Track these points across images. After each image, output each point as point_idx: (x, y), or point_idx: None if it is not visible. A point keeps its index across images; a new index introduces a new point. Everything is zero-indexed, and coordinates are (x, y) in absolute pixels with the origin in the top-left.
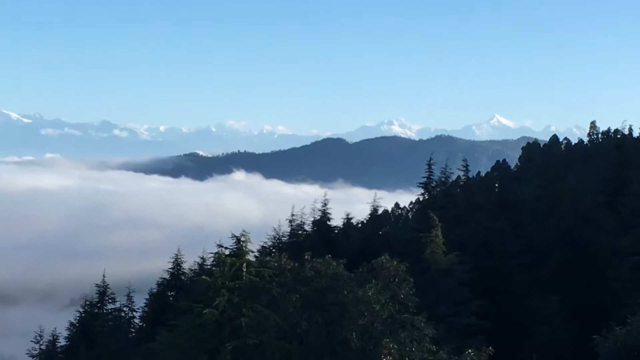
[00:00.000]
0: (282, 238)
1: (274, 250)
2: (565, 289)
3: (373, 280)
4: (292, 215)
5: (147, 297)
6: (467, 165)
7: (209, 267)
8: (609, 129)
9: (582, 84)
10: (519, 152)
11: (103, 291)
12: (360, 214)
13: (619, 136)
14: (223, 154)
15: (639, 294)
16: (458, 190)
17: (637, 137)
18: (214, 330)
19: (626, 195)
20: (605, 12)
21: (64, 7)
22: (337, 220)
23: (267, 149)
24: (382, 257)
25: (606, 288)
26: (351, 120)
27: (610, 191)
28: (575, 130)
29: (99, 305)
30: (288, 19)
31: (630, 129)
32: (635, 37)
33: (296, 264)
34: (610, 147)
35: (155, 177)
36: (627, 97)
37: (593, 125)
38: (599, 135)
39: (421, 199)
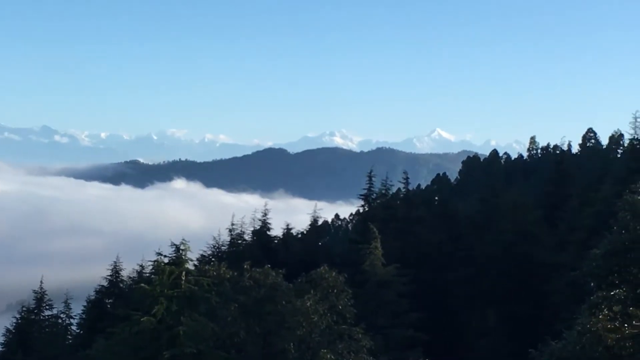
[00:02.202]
0: (222, 247)
1: (213, 259)
2: (504, 302)
3: (312, 291)
4: (232, 224)
5: (85, 304)
6: (407, 178)
7: (148, 275)
8: (548, 145)
9: (522, 99)
10: (459, 166)
11: (40, 297)
12: (301, 224)
13: (558, 152)
14: (164, 161)
15: (576, 309)
16: (398, 202)
17: (576, 153)
18: (152, 338)
19: (564, 210)
20: (545, 29)
21: None
22: (277, 230)
23: (208, 157)
24: (321, 267)
25: (544, 302)
26: (293, 131)
27: (549, 206)
28: (515, 145)
29: (36, 311)
30: (229, 29)
31: (569, 145)
32: (574, 53)
33: (235, 274)
34: (549, 162)
35: (95, 183)
36: (566, 113)
37: (533, 140)
38: (539, 151)
39: (361, 211)
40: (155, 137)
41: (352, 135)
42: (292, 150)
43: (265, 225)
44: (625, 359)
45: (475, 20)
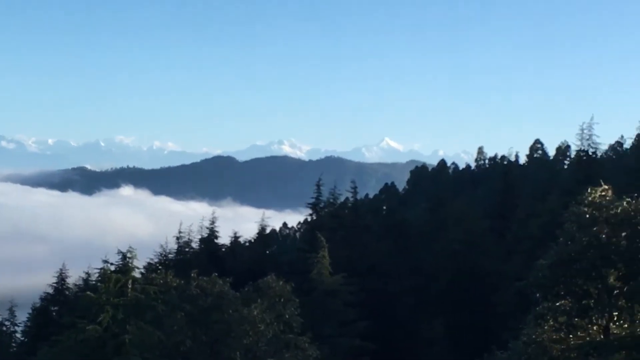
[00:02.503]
0: (169, 255)
1: (160, 267)
2: (452, 311)
3: (259, 300)
4: (180, 232)
5: (30, 311)
6: (355, 187)
7: (94, 282)
8: (496, 155)
9: (470, 109)
10: (407, 175)
11: None
12: (248, 232)
13: (505, 162)
14: (111, 168)
15: (522, 319)
16: (346, 211)
17: (523, 164)
18: (97, 346)
19: (511, 220)
20: (490, 40)
21: None
22: (224, 239)
23: (156, 165)
24: (269, 276)
25: (491, 312)
26: (242, 139)
27: (497, 216)
28: (463, 155)
29: None
30: (175, 37)
31: (517, 156)
32: (521, 64)
33: (182, 282)
34: (497, 173)
35: (42, 190)
36: (514, 124)
37: (481, 150)
38: (486, 161)
39: (309, 220)
40: (103, 144)
41: (300, 144)
42: (241, 158)
43: (212, 234)
44: None
45: (422, 31)
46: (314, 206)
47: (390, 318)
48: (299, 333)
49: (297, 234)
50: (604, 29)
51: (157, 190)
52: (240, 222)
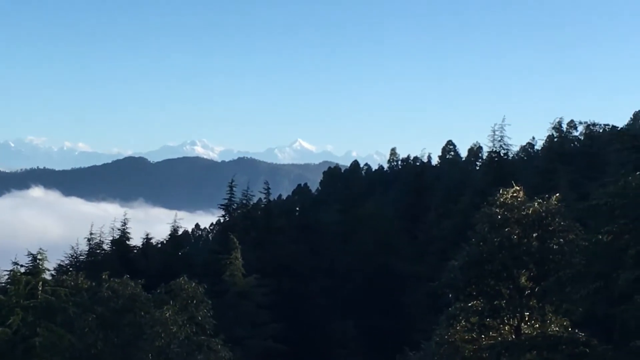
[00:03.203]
0: (80, 257)
1: (71, 269)
2: (364, 313)
3: (171, 302)
4: (91, 233)
5: None
6: (268, 188)
7: (3, 285)
8: (408, 156)
9: (383, 110)
10: (320, 176)
11: None
12: (160, 234)
13: (418, 163)
14: (21, 169)
15: (434, 319)
16: (259, 212)
17: (436, 165)
18: (7, 349)
19: (423, 221)
20: (400, 42)
21: None
22: (136, 240)
23: (67, 165)
24: (181, 278)
25: (403, 313)
26: (154, 140)
27: (409, 217)
28: (376, 157)
29: None
30: (86, 36)
31: (429, 157)
32: (432, 66)
33: (93, 284)
34: (409, 174)
35: None
36: (427, 125)
37: (393, 152)
38: (399, 162)
39: (222, 221)
40: (12, 145)
41: (213, 145)
42: (153, 159)
43: (124, 235)
44: None
45: (327, 31)
46: (226, 207)
47: (303, 320)
48: (212, 335)
49: (210, 236)
50: (515, 28)
51: (67, 192)
52: (152, 223)
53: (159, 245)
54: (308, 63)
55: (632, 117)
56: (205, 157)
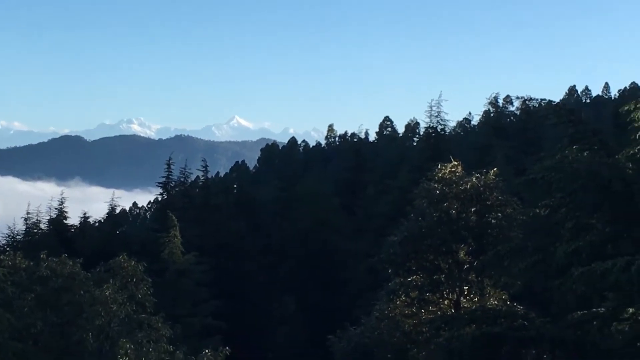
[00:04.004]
0: (17, 236)
1: (8, 248)
2: (303, 290)
3: (111, 280)
4: (28, 213)
5: None
6: (206, 166)
7: None
8: (346, 133)
9: (320, 87)
10: (258, 154)
11: None
12: (98, 213)
13: (355, 140)
14: None
15: (373, 296)
16: (197, 190)
17: (373, 141)
18: None
19: (362, 198)
20: (328, 18)
21: None
22: (74, 219)
23: (2, 145)
24: (120, 256)
25: (342, 289)
26: (90, 118)
27: (347, 194)
28: (314, 133)
29: None
30: (24, 17)
31: (367, 134)
32: (364, 41)
33: (31, 263)
34: (347, 150)
35: None
36: (364, 101)
37: (331, 128)
38: (337, 139)
39: (160, 199)
40: None
41: (150, 123)
42: (89, 137)
43: (61, 214)
44: (422, 343)
45: (267, 9)
46: (164, 185)
47: (242, 297)
48: (152, 313)
49: (148, 214)
50: (454, 6)
51: (3, 171)
52: (89, 202)
53: (97, 224)
54: (244, 40)
55: (567, 91)
56: (142, 135)
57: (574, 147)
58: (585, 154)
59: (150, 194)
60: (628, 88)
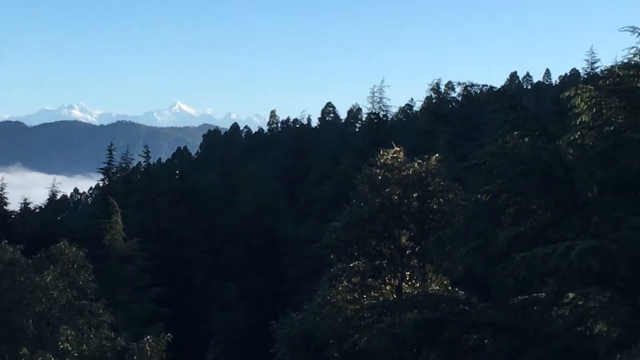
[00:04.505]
0: None
1: None
2: (245, 275)
3: (51, 267)
4: None
5: None
6: (148, 152)
7: None
8: (288, 119)
9: (261, 72)
10: (200, 140)
11: None
12: (39, 199)
13: (298, 126)
14: None
15: (315, 281)
16: (139, 176)
17: (316, 127)
18: None
19: (304, 183)
20: (272, 7)
21: None
22: (14, 205)
23: None
24: (61, 243)
25: (284, 275)
26: (31, 104)
27: (289, 180)
28: (256, 119)
29: None
30: None
31: (309, 119)
32: (310, 27)
33: None
34: (289, 136)
35: None
36: (306, 87)
37: (273, 114)
38: (279, 125)
39: (101, 185)
40: None
41: (91, 109)
42: (30, 123)
43: (1, 200)
44: (364, 329)
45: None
46: (105, 171)
47: (185, 283)
48: (93, 299)
49: (89, 200)
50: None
51: None
52: (30, 188)
53: (37, 210)
54: (185, 25)
55: (508, 78)
56: (83, 120)
57: (515, 133)
58: (527, 139)
59: (91, 180)
60: (569, 74)
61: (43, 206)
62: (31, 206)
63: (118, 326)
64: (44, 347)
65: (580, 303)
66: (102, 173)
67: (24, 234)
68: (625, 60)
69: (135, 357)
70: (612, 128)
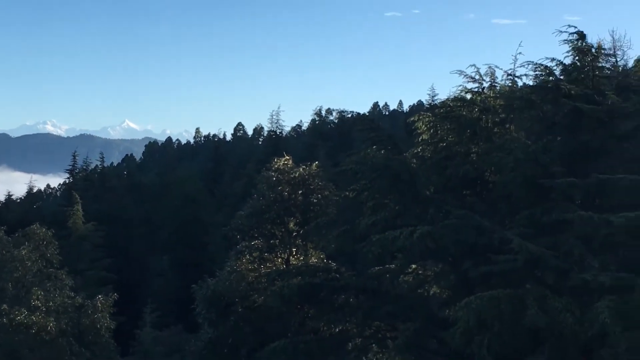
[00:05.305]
0: None
1: None
2: (175, 251)
3: (26, 243)
4: None
5: None
6: (103, 158)
7: None
8: (209, 134)
9: (190, 97)
10: (143, 149)
11: None
12: (20, 192)
13: (216, 139)
14: None
15: (226, 255)
16: (96, 175)
17: (229, 140)
18: None
19: (220, 183)
20: (201, 40)
21: None
22: (0, 196)
23: None
24: (34, 225)
25: (205, 251)
26: (14, 119)
27: (210, 180)
28: (185, 134)
29: None
30: None
31: (224, 135)
32: (225, 56)
33: None
34: (210, 147)
35: None
36: (222, 110)
37: (198, 130)
38: (202, 138)
39: (67, 182)
40: None
41: (60, 124)
42: (14, 135)
43: None
44: (261, 291)
45: (151, 21)
46: (71, 172)
47: (129, 256)
48: (58, 268)
49: (58, 193)
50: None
51: None
52: (13, 184)
53: (19, 201)
54: (137, 55)
55: (372, 106)
56: (54, 133)
57: (374, 147)
58: (382, 152)
59: (60, 178)
60: (415, 104)
61: (23, 198)
62: (14, 197)
63: (77, 288)
64: (20, 304)
65: (420, 272)
66: (68, 173)
67: (8, 218)
68: (455, 95)
69: (89, 311)
70: (444, 144)
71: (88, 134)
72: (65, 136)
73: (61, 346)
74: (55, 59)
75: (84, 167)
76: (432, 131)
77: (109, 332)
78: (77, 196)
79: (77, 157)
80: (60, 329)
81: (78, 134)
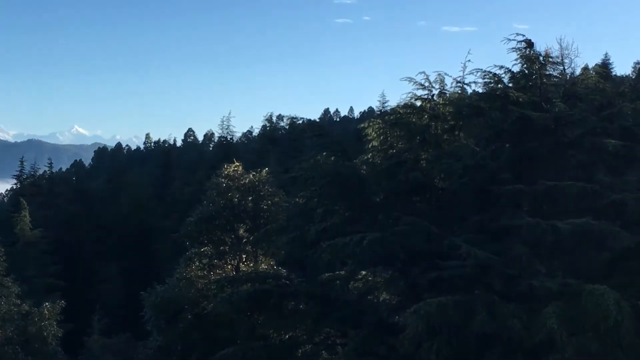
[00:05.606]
0: None
1: None
2: (124, 257)
3: None
4: None
5: None
6: (51, 163)
7: None
8: (159, 140)
9: (141, 102)
10: (92, 154)
11: None
12: None
13: (166, 145)
14: None
15: (176, 262)
16: (44, 181)
17: (180, 146)
18: None
19: (170, 188)
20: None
21: None
22: None
23: None
24: None
25: (153, 257)
26: None
27: (159, 185)
28: (135, 139)
29: None
30: None
31: (175, 140)
32: (172, 66)
33: None
34: (160, 153)
35: None
36: (171, 115)
37: (148, 136)
38: (152, 144)
39: (15, 188)
40: None
41: (7, 129)
42: None
43: None
44: (211, 297)
45: (99, 30)
46: (18, 177)
47: (77, 262)
48: (4, 275)
49: (5, 199)
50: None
51: None
52: None
53: None
54: (86, 59)
55: (323, 112)
56: (1, 138)
57: (324, 153)
58: (332, 158)
59: (7, 184)
60: (366, 111)
61: None
62: None
63: (24, 295)
64: None
65: (369, 278)
66: (16, 179)
67: None
68: (405, 102)
69: (36, 319)
70: (394, 151)
71: (36, 139)
72: (13, 141)
73: (7, 354)
74: (1, 62)
75: (32, 172)
76: (382, 138)
77: (56, 340)
78: (24, 202)
79: (24, 163)
80: (6, 337)
81: (26, 139)
